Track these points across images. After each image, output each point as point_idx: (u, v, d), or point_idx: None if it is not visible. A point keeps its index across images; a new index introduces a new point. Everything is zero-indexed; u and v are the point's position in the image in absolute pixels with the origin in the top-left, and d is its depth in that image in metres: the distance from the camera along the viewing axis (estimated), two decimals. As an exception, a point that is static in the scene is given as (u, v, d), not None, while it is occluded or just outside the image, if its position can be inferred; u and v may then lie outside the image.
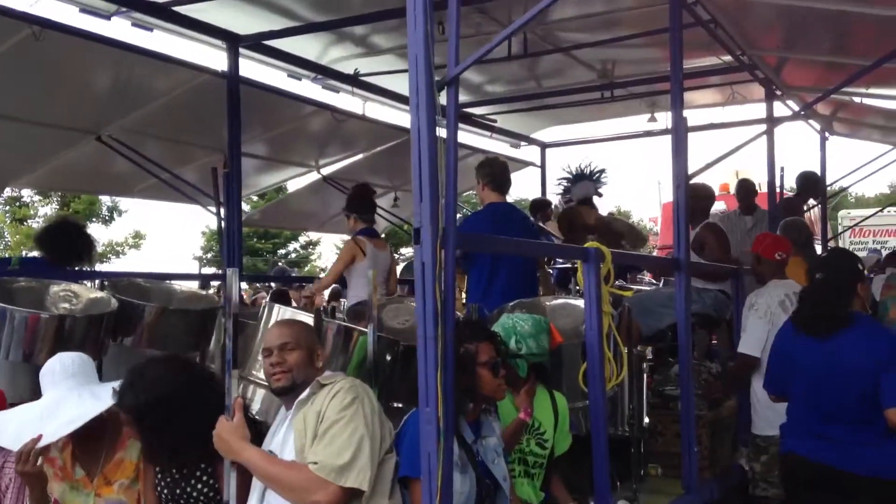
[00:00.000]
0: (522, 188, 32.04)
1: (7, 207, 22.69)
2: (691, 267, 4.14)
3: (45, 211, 23.21)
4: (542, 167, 10.31)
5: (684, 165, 4.28)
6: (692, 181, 4.45)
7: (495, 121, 8.95)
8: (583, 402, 3.60)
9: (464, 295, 4.82)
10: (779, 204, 6.81)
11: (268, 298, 10.50)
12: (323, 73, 6.81)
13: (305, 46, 6.41)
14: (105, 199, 22.14)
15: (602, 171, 7.15)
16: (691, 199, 4.27)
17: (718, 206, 11.80)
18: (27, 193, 21.50)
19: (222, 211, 5.77)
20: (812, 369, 3.56)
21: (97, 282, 4.33)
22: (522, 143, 10.17)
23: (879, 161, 8.44)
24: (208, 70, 5.80)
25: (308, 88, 7.06)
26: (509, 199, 5.30)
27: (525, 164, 10.48)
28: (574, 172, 7.19)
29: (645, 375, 4.65)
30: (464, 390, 2.76)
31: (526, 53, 6.39)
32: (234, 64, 5.78)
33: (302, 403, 2.75)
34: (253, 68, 6.53)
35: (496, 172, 4.96)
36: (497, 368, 2.91)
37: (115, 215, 23.72)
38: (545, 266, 5.43)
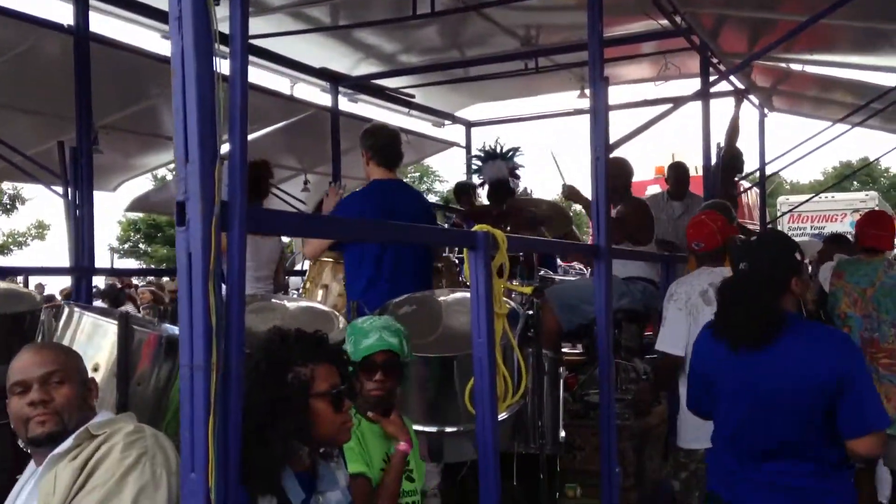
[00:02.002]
0: (447, 171, 31.10)
1: None
2: (612, 254, 3.43)
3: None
4: (468, 148, 9.59)
5: (604, 134, 3.57)
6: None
7: (413, 95, 8.16)
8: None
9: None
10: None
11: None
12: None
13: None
14: (6, 186, 20.52)
15: (515, 149, 6.45)
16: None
17: (653, 190, 11.29)
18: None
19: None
20: (737, 392, 2.69)
21: None
22: (446, 122, 9.42)
23: (816, 140, 7.92)
24: (53, 24, 4.86)
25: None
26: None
27: (449, 144, 9.81)
28: (485, 151, 6.48)
29: (562, 380, 4.01)
30: (291, 432, 2.00)
31: (433, 12, 5.62)
32: (82, 15, 4.83)
33: (57, 459, 1.97)
34: (121, 28, 5.65)
35: (383, 143, 4.05)
36: (340, 400, 2.09)
37: (17, 203, 21.86)
38: (451, 254, 4.69)
